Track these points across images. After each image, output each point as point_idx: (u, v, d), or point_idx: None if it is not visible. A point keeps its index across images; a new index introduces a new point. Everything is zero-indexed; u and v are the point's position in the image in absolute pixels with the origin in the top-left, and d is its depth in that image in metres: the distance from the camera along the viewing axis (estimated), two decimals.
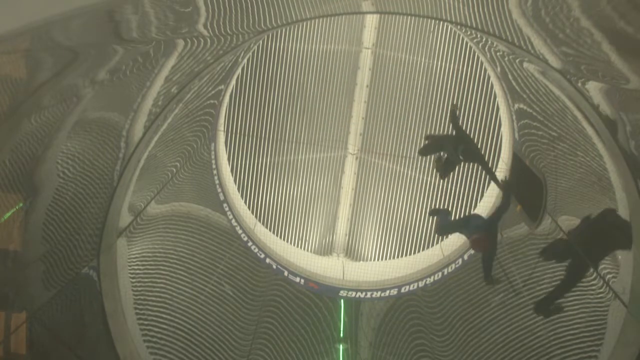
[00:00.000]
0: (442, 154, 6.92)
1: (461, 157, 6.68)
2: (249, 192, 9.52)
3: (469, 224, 6.62)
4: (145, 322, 6.04)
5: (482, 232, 6.30)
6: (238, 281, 7.87)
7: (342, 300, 8.47)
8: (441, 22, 8.13)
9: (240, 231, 8.46)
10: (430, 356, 7.38)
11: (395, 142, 9.31)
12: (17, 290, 4.04)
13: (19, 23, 2.70)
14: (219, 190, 8.57)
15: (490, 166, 7.65)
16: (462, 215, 8.13)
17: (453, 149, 6.73)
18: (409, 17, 8.43)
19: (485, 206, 8.36)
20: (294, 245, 9.45)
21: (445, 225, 7.10)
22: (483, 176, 8.86)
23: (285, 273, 8.44)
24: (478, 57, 8.52)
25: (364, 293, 8.42)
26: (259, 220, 9.35)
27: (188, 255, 7.21)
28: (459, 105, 8.46)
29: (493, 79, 8.41)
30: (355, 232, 9.70)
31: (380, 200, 9.51)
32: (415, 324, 7.93)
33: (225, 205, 8.54)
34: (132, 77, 4.61)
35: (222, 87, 8.29)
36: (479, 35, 6.14)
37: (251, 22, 5.38)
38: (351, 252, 9.75)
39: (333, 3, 6.02)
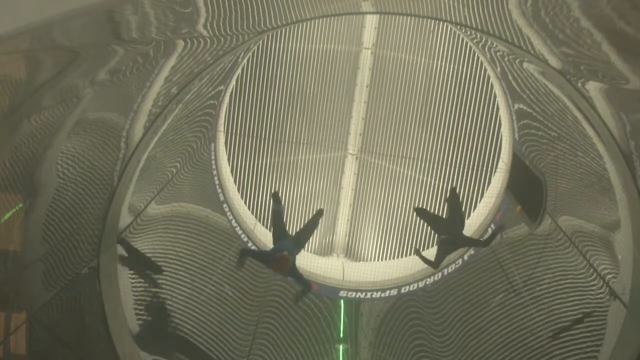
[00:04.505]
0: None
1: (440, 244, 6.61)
2: (249, 192, 9.52)
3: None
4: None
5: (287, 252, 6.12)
6: (238, 281, 7.87)
7: (342, 301, 8.47)
8: (441, 23, 8.13)
9: (240, 232, 8.46)
10: (430, 356, 7.38)
11: (395, 142, 9.31)
12: (17, 290, 4.04)
13: (19, 23, 2.69)
14: (219, 190, 8.56)
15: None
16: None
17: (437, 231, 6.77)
18: (409, 17, 8.42)
19: (485, 206, 8.36)
20: None
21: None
22: (483, 177, 8.87)
23: None
24: (478, 57, 8.52)
25: (364, 293, 8.41)
26: (259, 221, 9.34)
27: (188, 256, 7.21)
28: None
29: (493, 79, 8.41)
30: (355, 233, 9.70)
31: (380, 200, 9.51)
32: (415, 324, 7.93)
33: (225, 205, 8.54)
34: (132, 78, 4.61)
35: (222, 87, 8.29)
36: (479, 36, 6.15)
37: (251, 22, 5.38)
38: (351, 253, 9.74)
39: (333, 3, 6.02)
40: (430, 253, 8.20)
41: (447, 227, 6.57)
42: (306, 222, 6.71)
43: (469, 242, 7.19)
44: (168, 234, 7.11)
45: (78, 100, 3.95)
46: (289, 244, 6.23)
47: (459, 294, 7.68)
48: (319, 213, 6.76)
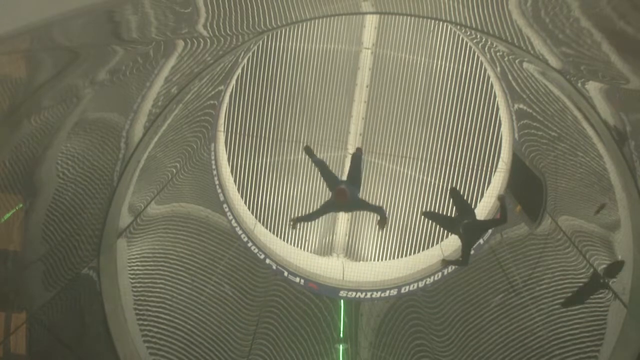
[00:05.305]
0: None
1: (461, 231, 6.48)
2: (249, 192, 9.52)
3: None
4: (145, 323, 6.04)
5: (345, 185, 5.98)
6: (238, 281, 7.87)
7: (342, 301, 8.47)
8: (441, 23, 8.13)
9: (240, 232, 8.46)
10: (430, 356, 7.39)
11: (395, 142, 9.31)
12: (17, 290, 4.04)
13: (19, 23, 2.70)
14: (219, 190, 8.57)
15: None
16: None
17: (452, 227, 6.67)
18: (409, 17, 8.42)
19: (485, 206, 8.36)
20: (294, 245, 9.45)
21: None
22: (483, 177, 8.87)
23: (285, 273, 8.44)
24: (478, 57, 8.52)
25: (363, 293, 8.42)
26: (259, 221, 9.35)
27: (188, 256, 7.21)
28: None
29: (493, 79, 8.41)
30: (355, 232, 9.70)
31: (380, 200, 9.50)
32: (415, 324, 7.93)
33: (225, 205, 8.54)
34: (132, 78, 4.61)
35: (222, 87, 8.29)
36: (479, 36, 6.15)
37: (251, 22, 5.38)
38: (351, 253, 9.74)
39: (333, 3, 6.02)
40: (432, 252, 8.21)
41: (459, 223, 6.51)
42: (350, 163, 6.56)
43: (488, 224, 7.15)
44: (168, 234, 7.11)
45: (78, 100, 3.95)
46: (344, 185, 6.09)
47: (459, 294, 7.67)
48: (358, 150, 6.65)
